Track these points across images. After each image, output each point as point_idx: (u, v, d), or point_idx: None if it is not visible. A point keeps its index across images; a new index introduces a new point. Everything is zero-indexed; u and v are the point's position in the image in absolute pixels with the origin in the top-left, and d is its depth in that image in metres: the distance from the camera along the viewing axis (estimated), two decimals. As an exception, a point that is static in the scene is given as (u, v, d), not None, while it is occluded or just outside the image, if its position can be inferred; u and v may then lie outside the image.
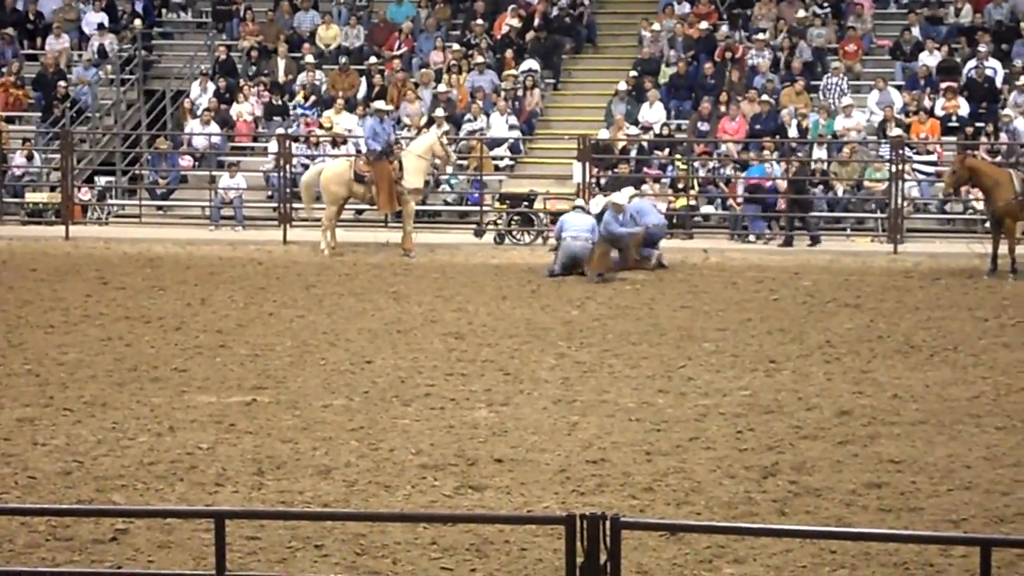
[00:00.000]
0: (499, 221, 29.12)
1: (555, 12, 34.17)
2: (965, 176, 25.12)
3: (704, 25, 32.96)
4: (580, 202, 26.21)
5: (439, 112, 30.35)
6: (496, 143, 31.09)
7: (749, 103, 30.59)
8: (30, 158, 31.74)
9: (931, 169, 29.33)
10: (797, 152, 29.78)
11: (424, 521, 11.69)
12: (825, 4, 33.83)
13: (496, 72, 32.51)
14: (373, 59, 33.09)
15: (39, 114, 33.19)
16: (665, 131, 30.74)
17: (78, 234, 28.93)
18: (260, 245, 27.89)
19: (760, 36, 32.61)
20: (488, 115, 31.26)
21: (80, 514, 11.84)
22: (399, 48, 33.70)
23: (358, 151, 28.52)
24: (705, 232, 29.12)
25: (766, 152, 29.03)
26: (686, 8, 34.03)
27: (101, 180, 32.20)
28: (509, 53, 32.85)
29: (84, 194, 31.53)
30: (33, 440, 14.24)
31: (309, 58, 33.11)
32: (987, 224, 25.94)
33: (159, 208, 31.29)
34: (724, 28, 33.23)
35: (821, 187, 29.25)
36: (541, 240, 28.05)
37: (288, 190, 29.12)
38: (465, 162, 30.59)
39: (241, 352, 18.24)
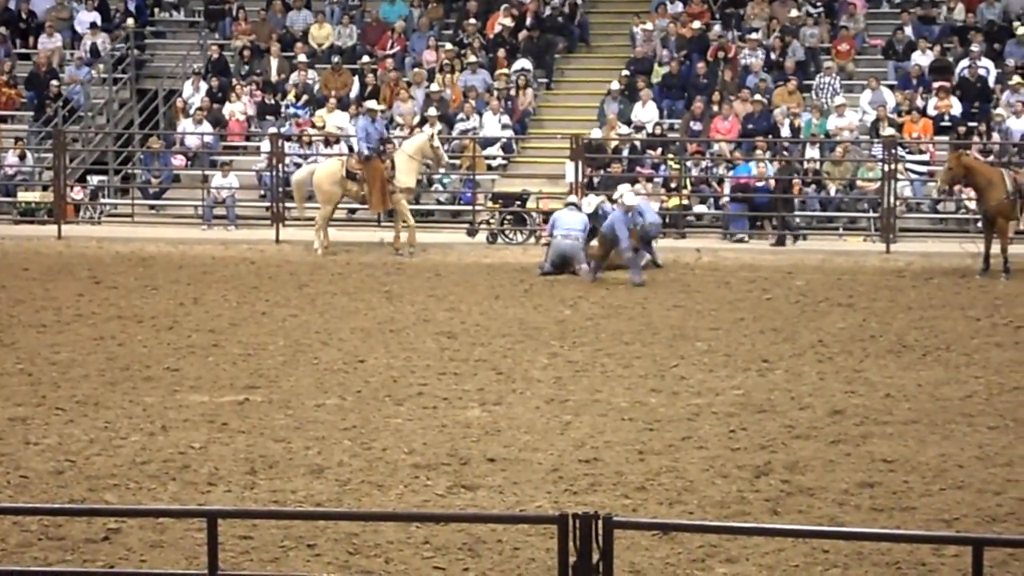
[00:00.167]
0: (492, 220, 29.11)
1: (548, 11, 34.13)
2: (960, 173, 25.13)
3: (697, 24, 32.98)
4: (573, 199, 26.21)
5: (432, 111, 30.35)
6: (489, 142, 31.07)
7: (742, 103, 30.59)
8: (22, 157, 31.69)
9: (924, 169, 29.33)
10: (784, 151, 29.77)
11: (417, 520, 11.69)
12: (818, 4, 33.82)
13: (489, 71, 32.50)
14: (366, 58, 33.09)
15: (31, 113, 33.14)
16: (658, 130, 30.74)
17: (70, 233, 28.90)
18: (253, 244, 27.88)
19: (753, 36, 32.59)
20: (481, 114, 31.25)
21: (72, 513, 11.83)
22: (392, 47, 33.67)
23: (350, 149, 28.51)
24: (698, 232, 29.13)
25: (758, 152, 29.04)
26: (679, 7, 34.02)
27: (94, 179, 32.12)
28: (502, 52, 32.84)
29: (76, 193, 31.47)
30: (25, 439, 14.23)
31: (302, 57, 33.07)
32: (979, 223, 25.97)
33: (152, 207, 31.24)
34: (717, 27, 33.24)
35: (814, 186, 29.27)
36: (534, 239, 28.05)
37: (280, 189, 29.09)
38: (458, 161, 30.56)
39: (234, 351, 18.23)
